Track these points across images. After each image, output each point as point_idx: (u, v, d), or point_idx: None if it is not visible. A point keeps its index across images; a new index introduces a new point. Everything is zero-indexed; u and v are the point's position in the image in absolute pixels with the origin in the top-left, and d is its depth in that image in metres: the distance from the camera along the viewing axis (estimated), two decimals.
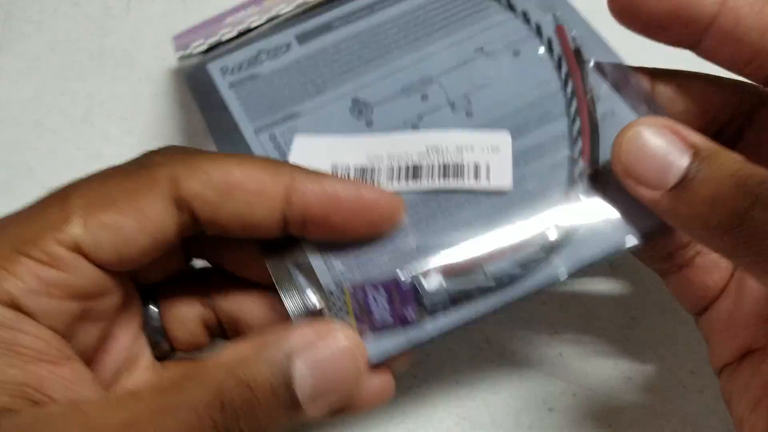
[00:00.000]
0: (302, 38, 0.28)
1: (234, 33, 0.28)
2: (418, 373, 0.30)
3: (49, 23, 0.39)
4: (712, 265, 0.24)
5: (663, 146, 0.21)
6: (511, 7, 0.27)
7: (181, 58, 0.29)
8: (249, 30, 0.29)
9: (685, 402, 0.29)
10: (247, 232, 0.21)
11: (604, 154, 0.23)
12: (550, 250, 0.22)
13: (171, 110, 0.37)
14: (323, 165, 0.24)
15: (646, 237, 0.22)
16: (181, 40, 0.30)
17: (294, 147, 0.25)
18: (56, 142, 0.36)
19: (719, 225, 0.19)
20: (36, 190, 0.36)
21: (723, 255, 0.20)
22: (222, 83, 0.27)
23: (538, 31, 0.26)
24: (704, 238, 0.20)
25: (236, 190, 0.21)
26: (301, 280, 0.22)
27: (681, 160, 0.20)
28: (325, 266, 0.22)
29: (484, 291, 0.22)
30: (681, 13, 0.22)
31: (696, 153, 0.20)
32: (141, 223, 0.20)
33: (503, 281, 0.22)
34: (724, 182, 0.19)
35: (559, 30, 0.26)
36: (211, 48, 0.29)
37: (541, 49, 0.26)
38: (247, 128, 0.26)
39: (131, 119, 0.37)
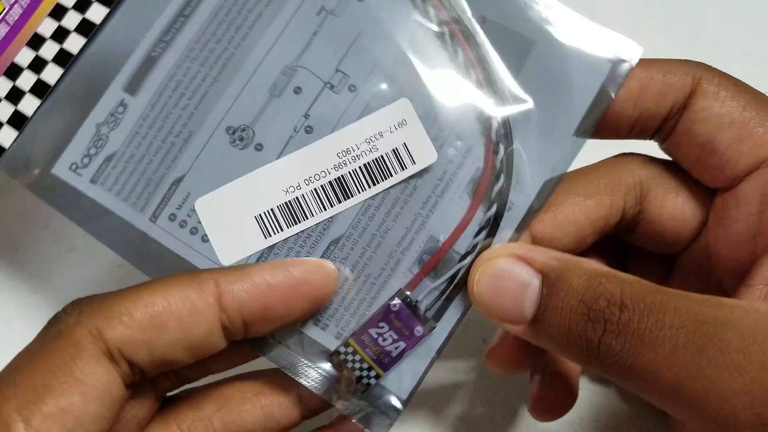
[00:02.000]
0: (130, 87, 0.23)
1: (36, 102, 0.24)
2: None
3: None
4: None
5: (513, 278, 0.20)
6: None
7: None
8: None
9: None
10: (193, 355, 0.20)
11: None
12: (500, 200, 0.22)
13: None
14: (246, 223, 0.22)
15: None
16: None
17: (201, 216, 0.23)
18: None
19: (580, 356, 0.19)
20: None
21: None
22: (82, 184, 0.23)
23: None
24: (580, 365, 0.20)
25: (165, 320, 0.19)
26: (306, 355, 0.22)
27: (533, 288, 0.20)
28: (322, 331, 0.22)
29: (466, 268, 0.22)
30: None
31: (544, 277, 0.20)
32: (85, 395, 0.18)
33: (477, 250, 0.22)
34: (573, 311, 0.19)
35: None
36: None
37: None
38: (140, 222, 0.23)
39: None
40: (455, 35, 0.23)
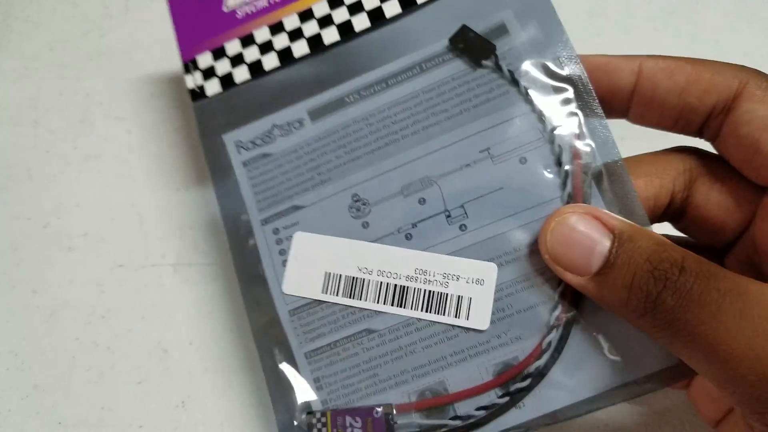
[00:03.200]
0: (314, 114, 0.27)
1: (247, 76, 0.28)
2: None
3: (48, 23, 0.39)
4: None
5: (586, 232, 0.22)
6: (529, 101, 0.25)
7: (193, 95, 0.29)
8: (253, 41, 0.28)
9: (682, 399, 0.29)
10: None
11: (586, 301, 0.23)
12: (519, 394, 0.23)
13: (169, 110, 0.37)
14: (317, 272, 0.25)
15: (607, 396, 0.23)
16: (187, 49, 0.29)
17: (293, 245, 0.26)
18: (54, 141, 0.36)
19: (636, 308, 0.20)
20: (34, 190, 0.36)
21: (648, 334, 0.21)
22: (236, 161, 0.27)
23: (552, 137, 0.24)
24: (628, 319, 0.21)
25: None
26: (293, 396, 0.25)
27: (603, 245, 0.21)
28: (317, 389, 0.25)
29: (451, 430, 0.23)
30: (602, 86, 0.24)
31: (616, 237, 0.21)
32: None
33: (471, 423, 0.23)
34: (640, 267, 0.20)
35: (575, 155, 0.24)
36: (224, 79, 0.28)
37: (549, 162, 0.24)
38: (255, 217, 0.27)
39: (129, 119, 0.37)
40: None
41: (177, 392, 0.31)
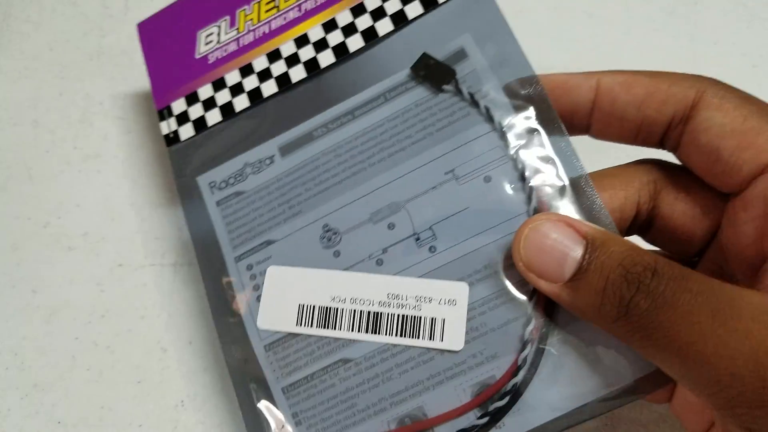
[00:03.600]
0: (284, 150, 0.27)
1: (219, 118, 0.29)
2: None
3: (48, 23, 0.39)
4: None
5: (559, 239, 0.22)
6: (490, 120, 0.25)
7: (168, 141, 0.29)
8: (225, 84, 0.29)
9: None
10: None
11: (560, 314, 0.23)
12: (498, 413, 0.23)
13: None
14: (290, 305, 0.25)
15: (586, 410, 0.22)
16: (162, 97, 0.30)
17: (266, 279, 0.26)
18: (54, 141, 0.36)
19: (610, 313, 0.20)
20: (34, 190, 0.36)
21: (621, 340, 0.21)
22: (210, 201, 0.28)
23: (515, 154, 0.25)
24: (602, 326, 0.21)
25: None
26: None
27: (576, 252, 0.21)
28: (296, 425, 0.25)
29: None
30: (562, 104, 0.24)
31: (589, 243, 0.21)
32: None
33: None
34: (612, 271, 0.20)
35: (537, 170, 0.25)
36: (196, 124, 0.29)
37: (513, 178, 0.24)
38: (228, 254, 0.27)
39: (129, 119, 0.37)
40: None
41: (176, 392, 0.31)
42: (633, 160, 0.26)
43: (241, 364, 0.26)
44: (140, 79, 0.38)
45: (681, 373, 0.20)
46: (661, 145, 0.25)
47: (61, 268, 0.34)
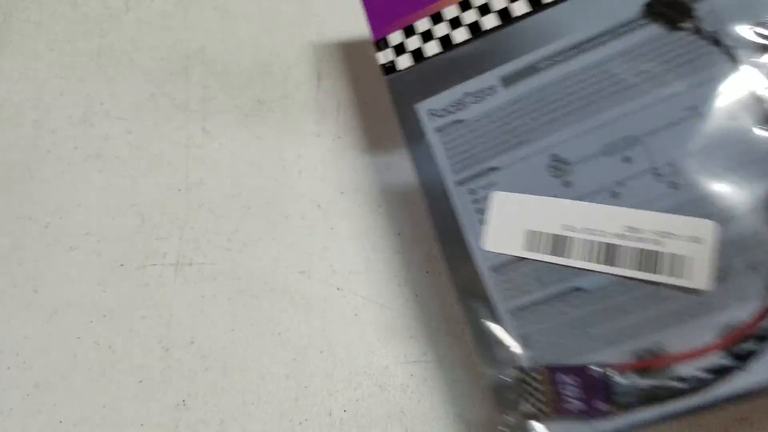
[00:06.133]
0: (507, 81, 0.27)
1: (437, 49, 0.29)
2: None
3: (48, 23, 0.39)
4: None
5: None
6: (734, 60, 0.24)
7: (386, 70, 0.30)
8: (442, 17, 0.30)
9: None
10: None
11: None
12: (746, 356, 0.22)
13: (169, 110, 0.37)
14: (517, 230, 0.25)
15: None
16: (378, 30, 0.31)
17: (492, 204, 0.26)
18: (55, 141, 0.36)
19: None
20: (35, 190, 0.36)
21: None
22: (429, 127, 0.28)
23: (762, 95, 0.24)
24: None
25: None
26: (503, 355, 0.24)
27: None
28: (526, 347, 0.24)
29: (675, 393, 0.22)
30: None
31: None
32: None
33: (696, 385, 0.22)
34: None
35: None
36: (415, 54, 0.30)
37: (761, 120, 0.23)
38: (449, 178, 0.27)
39: (130, 119, 0.37)
40: None
41: (178, 391, 0.31)
42: None
43: (467, 284, 0.26)
44: (141, 79, 0.38)
45: None
46: None
47: (63, 267, 0.34)
